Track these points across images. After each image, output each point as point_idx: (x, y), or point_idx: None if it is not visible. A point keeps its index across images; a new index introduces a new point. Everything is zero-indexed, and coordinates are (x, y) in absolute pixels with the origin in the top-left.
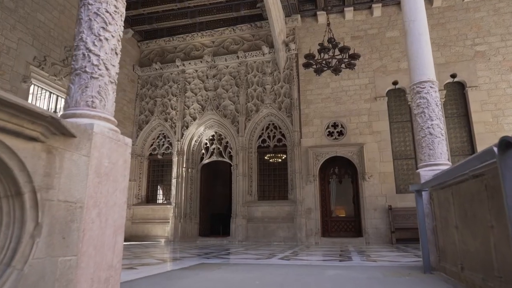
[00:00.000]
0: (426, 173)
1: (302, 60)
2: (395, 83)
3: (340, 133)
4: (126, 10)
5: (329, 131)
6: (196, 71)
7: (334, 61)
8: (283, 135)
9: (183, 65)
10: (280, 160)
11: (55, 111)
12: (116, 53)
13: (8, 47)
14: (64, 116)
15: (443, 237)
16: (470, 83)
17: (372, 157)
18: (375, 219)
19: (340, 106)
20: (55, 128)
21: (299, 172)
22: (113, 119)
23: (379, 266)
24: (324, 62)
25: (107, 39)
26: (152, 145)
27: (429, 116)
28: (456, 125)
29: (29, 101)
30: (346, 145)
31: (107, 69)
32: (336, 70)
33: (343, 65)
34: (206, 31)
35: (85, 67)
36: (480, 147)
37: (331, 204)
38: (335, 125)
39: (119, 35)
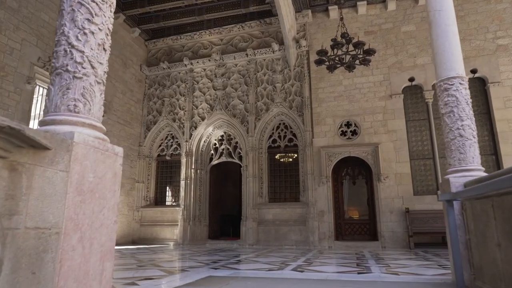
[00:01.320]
0: (456, 180)
1: (313, 57)
2: (411, 79)
3: (354, 133)
4: (132, 8)
5: (342, 131)
6: (204, 70)
7: (347, 57)
8: (294, 135)
9: (191, 64)
10: (291, 159)
11: None
12: (104, 49)
13: (12, 48)
14: (42, 123)
15: (479, 253)
16: (492, 79)
17: (387, 158)
18: (391, 222)
19: (354, 105)
20: (19, 140)
21: (311, 173)
22: (100, 125)
23: (404, 283)
24: (337, 58)
25: (93, 33)
26: (160, 146)
27: (459, 116)
28: (477, 124)
29: (34, 102)
30: (360, 145)
31: (93, 67)
32: (350, 67)
33: (357, 62)
34: (214, 28)
35: (67, 65)
36: (504, 147)
37: (344, 206)
38: (348, 124)
39: (108, 29)
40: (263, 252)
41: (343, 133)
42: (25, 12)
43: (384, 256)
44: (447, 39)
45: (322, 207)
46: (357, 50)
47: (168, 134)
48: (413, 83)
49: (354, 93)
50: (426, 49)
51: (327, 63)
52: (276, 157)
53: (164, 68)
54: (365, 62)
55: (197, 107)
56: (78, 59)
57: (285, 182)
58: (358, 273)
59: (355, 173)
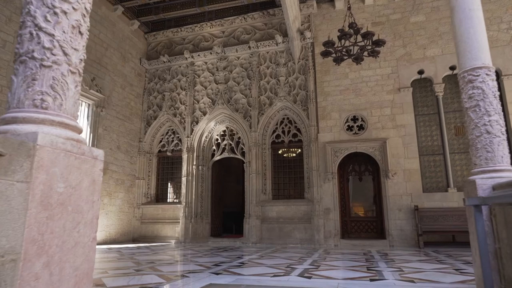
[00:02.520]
0: (483, 182)
1: (318, 49)
2: (420, 72)
3: (361, 127)
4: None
5: (348, 125)
6: (206, 63)
7: (355, 49)
8: (298, 130)
9: (192, 57)
10: (294, 154)
11: None
12: (80, 32)
13: (4, 41)
14: (2, 121)
15: (511, 265)
16: (506, 71)
17: (396, 153)
18: (399, 220)
19: (360, 98)
20: None
21: (316, 170)
22: (74, 123)
23: None
24: (344, 50)
25: (65, 13)
26: (161, 141)
27: (486, 110)
28: None
29: None
30: (367, 140)
31: (65, 54)
32: (358, 59)
33: (365, 53)
34: (216, 20)
35: (33, 51)
36: None
37: (350, 203)
38: (354, 119)
39: (85, 8)
40: (267, 252)
41: (350, 128)
42: (18, 3)
43: (394, 257)
44: (472, 25)
45: (327, 205)
46: (365, 41)
47: (168, 130)
48: (423, 76)
49: (360, 86)
50: (436, 40)
51: (333, 55)
52: (279, 152)
53: (164, 62)
54: (374, 54)
55: (198, 102)
56: (47, 44)
57: (289, 179)
58: (371, 280)
59: (361, 169)
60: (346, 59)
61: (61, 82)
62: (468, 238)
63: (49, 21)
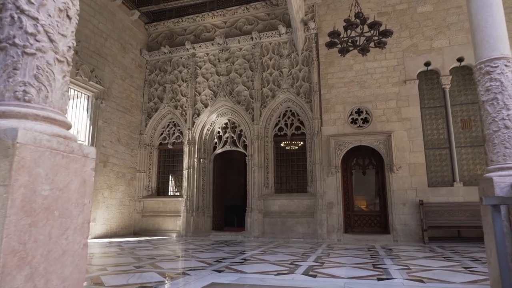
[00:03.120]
0: (501, 180)
1: (322, 40)
2: (427, 64)
3: (365, 120)
4: None
5: (352, 118)
6: (207, 54)
7: (361, 39)
8: (301, 123)
9: (193, 48)
10: (296, 147)
11: None
12: (68, 16)
13: None
14: None
15: None
16: None
17: (401, 147)
18: (404, 215)
19: (365, 91)
20: None
21: (319, 163)
22: (62, 118)
23: None
24: (350, 40)
25: None
26: (162, 134)
27: (504, 104)
28: None
29: None
30: (372, 133)
31: (51, 40)
32: (364, 50)
33: (372, 44)
34: (217, 10)
35: (14, 37)
36: None
37: (353, 197)
38: (359, 112)
39: None
40: (269, 247)
41: (354, 121)
42: None
43: (399, 254)
44: (491, 14)
45: (331, 199)
46: (372, 31)
47: (170, 122)
48: (429, 67)
49: (365, 78)
50: (444, 31)
51: (339, 45)
52: (282, 144)
53: (165, 53)
54: (380, 45)
55: (199, 94)
56: (30, 29)
57: (291, 172)
58: (378, 279)
59: (365, 162)
60: (352, 50)
61: (47, 72)
62: (474, 233)
63: (32, 3)
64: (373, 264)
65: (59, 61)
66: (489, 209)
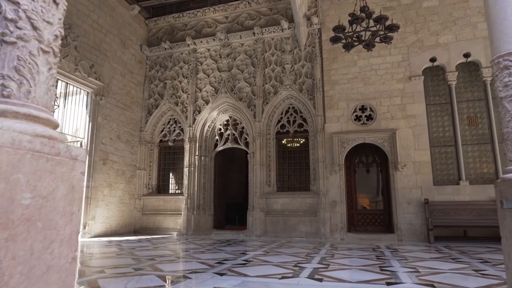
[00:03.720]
0: None
1: (325, 36)
2: (432, 60)
3: (369, 118)
4: None
5: (356, 115)
6: (209, 50)
7: (367, 34)
8: (304, 120)
9: (194, 43)
10: (297, 144)
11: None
12: (54, 1)
13: None
14: None
15: None
16: None
17: (405, 145)
18: (408, 214)
19: (369, 87)
20: None
21: (322, 161)
22: (47, 116)
23: None
24: (355, 35)
25: None
26: (162, 131)
27: None
28: None
29: None
30: (376, 130)
31: (34, 28)
32: (369, 45)
33: (377, 39)
34: (219, 5)
35: None
36: None
37: (357, 196)
38: (363, 109)
39: None
40: (272, 246)
41: (358, 118)
42: None
43: (405, 254)
44: (509, 4)
45: (334, 197)
46: (378, 25)
47: (170, 119)
48: (435, 63)
49: (369, 74)
50: (450, 26)
51: (343, 40)
52: (284, 142)
53: (165, 49)
54: (386, 40)
55: (200, 90)
56: (10, 15)
57: (294, 170)
58: (387, 284)
59: (368, 160)
60: (357, 45)
61: (29, 64)
62: (480, 233)
63: None
64: (380, 266)
65: (44, 52)
66: (509, 212)
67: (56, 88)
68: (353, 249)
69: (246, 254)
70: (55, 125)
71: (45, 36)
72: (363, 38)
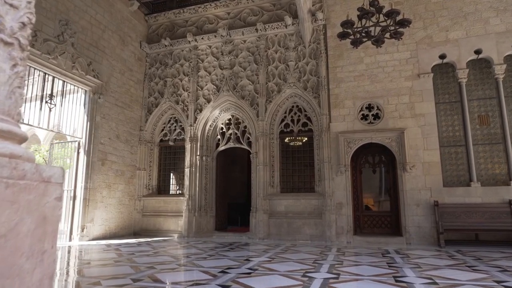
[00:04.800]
0: None
1: (331, 32)
2: (442, 56)
3: (376, 117)
4: None
5: (363, 114)
6: (210, 47)
7: (376, 30)
8: (308, 119)
9: (195, 40)
10: (300, 143)
11: (51, 95)
12: None
13: None
14: None
15: None
16: None
17: (414, 144)
18: (417, 216)
19: (376, 85)
20: None
21: (328, 162)
22: (8, 126)
23: None
24: (364, 31)
25: None
26: (162, 130)
27: None
28: None
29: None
30: (384, 130)
31: None
32: (378, 41)
33: (387, 35)
34: (221, 1)
35: None
36: None
37: (363, 197)
38: (370, 107)
39: None
40: (276, 251)
41: (364, 117)
42: None
43: (418, 261)
44: None
45: (340, 199)
46: (389, 20)
47: (171, 118)
48: (444, 60)
49: (376, 72)
50: (461, 21)
51: (352, 36)
52: (287, 141)
53: (166, 46)
54: (397, 36)
55: (202, 88)
56: None
57: (298, 171)
58: None
59: (375, 160)
60: (366, 41)
61: None
62: (493, 237)
63: None
64: (393, 276)
65: (6, 44)
66: None
67: (23, 90)
68: (361, 254)
69: (250, 260)
70: (20, 139)
71: (7, 24)
72: (373, 34)
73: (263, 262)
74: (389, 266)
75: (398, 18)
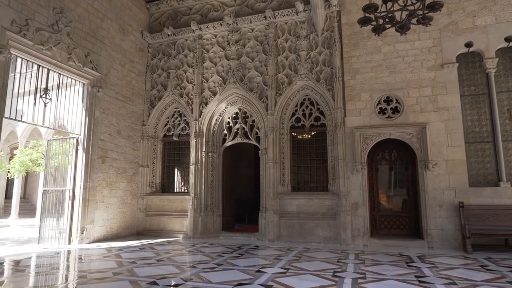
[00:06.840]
0: None
1: (345, 19)
2: (468, 45)
3: (395, 110)
4: None
5: (380, 108)
6: (215, 36)
7: (403, 14)
8: (321, 113)
9: (200, 29)
10: (309, 136)
11: (46, 88)
12: None
13: None
14: None
15: None
16: None
17: (437, 141)
18: (440, 218)
19: (395, 76)
20: None
21: (342, 159)
22: None
23: None
24: (388, 16)
25: None
26: (166, 124)
27: None
28: None
29: (11, 76)
30: (403, 125)
31: None
32: (404, 28)
33: (414, 20)
34: None
35: None
36: None
37: (380, 196)
38: (388, 100)
39: None
40: (290, 258)
41: (382, 111)
42: None
43: (449, 273)
44: None
45: (355, 199)
46: (417, 4)
47: (175, 112)
48: (471, 49)
49: (395, 62)
50: (489, 6)
51: (374, 22)
52: (299, 137)
53: (169, 35)
54: (425, 21)
55: (207, 80)
56: None
57: (310, 169)
58: None
59: (392, 157)
60: (389, 27)
61: None
62: None
63: None
64: None
65: None
66: None
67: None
68: (383, 263)
69: (263, 272)
70: None
71: None
72: (398, 19)
73: (277, 275)
74: (418, 280)
75: (428, 1)
